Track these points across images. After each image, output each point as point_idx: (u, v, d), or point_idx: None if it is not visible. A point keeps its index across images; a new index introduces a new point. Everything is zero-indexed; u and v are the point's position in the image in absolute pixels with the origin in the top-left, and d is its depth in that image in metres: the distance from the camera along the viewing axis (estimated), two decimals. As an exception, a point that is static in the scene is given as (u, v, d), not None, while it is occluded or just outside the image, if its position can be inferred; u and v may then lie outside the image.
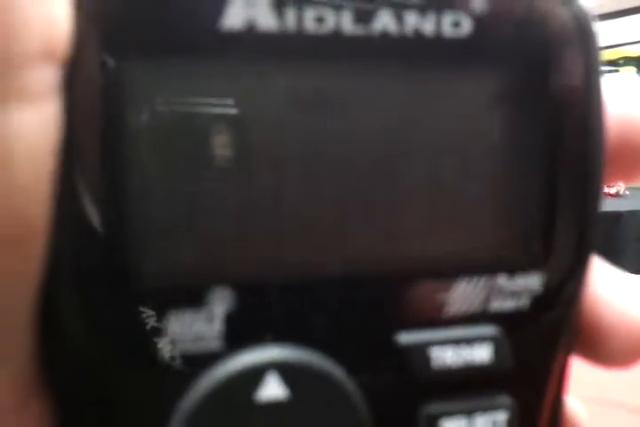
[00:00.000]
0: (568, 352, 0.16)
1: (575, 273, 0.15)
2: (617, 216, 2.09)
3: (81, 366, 0.13)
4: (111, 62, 0.13)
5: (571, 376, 0.16)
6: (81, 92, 0.12)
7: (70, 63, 0.12)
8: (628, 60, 3.26)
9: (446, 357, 0.14)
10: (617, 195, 2.25)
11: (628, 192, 2.25)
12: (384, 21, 0.14)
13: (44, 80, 0.12)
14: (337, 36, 0.13)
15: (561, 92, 0.15)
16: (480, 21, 0.14)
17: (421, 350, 0.14)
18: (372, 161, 0.14)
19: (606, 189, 2.32)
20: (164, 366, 0.13)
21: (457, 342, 0.15)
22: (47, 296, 0.13)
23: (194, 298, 0.13)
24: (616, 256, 2.07)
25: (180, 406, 0.13)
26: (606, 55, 3.32)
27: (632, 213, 2.11)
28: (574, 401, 0.18)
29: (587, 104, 0.15)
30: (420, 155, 0.15)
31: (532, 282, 0.15)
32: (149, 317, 0.13)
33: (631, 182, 0.18)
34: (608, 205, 2.14)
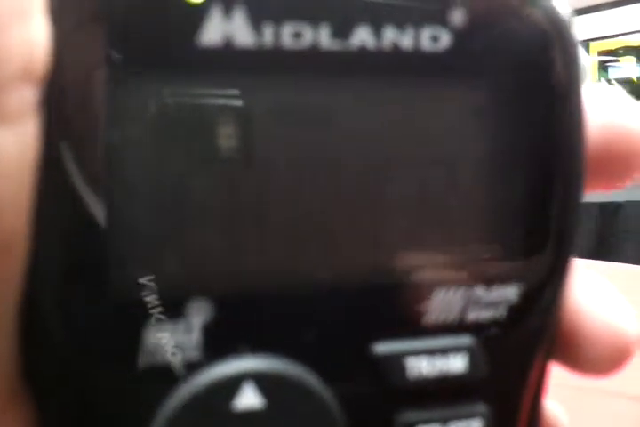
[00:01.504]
0: (546, 360, 0.16)
1: (553, 284, 0.16)
2: (617, 207, 2.09)
3: (61, 375, 0.14)
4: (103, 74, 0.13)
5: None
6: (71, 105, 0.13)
7: (51, 79, 0.12)
8: (627, 50, 3.25)
9: (421, 366, 0.15)
10: (616, 186, 2.25)
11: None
12: (362, 36, 0.14)
13: (23, 100, 0.12)
14: (314, 51, 0.14)
15: (540, 102, 0.15)
16: (459, 35, 0.14)
17: (397, 360, 0.15)
18: (350, 174, 0.14)
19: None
20: (143, 376, 0.13)
21: (432, 352, 0.15)
22: (28, 305, 0.13)
23: (173, 309, 0.14)
24: (616, 247, 2.07)
25: (158, 415, 0.13)
26: (606, 45, 3.31)
27: (632, 204, 2.11)
28: (554, 405, 0.18)
29: (566, 113, 0.15)
30: (398, 168, 0.15)
31: (509, 293, 0.15)
32: (128, 327, 0.13)
33: (616, 187, 0.18)
34: (608, 196, 2.14)
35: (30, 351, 0.13)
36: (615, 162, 0.16)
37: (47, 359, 0.14)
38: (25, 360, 0.13)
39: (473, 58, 0.15)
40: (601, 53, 3.42)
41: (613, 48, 3.30)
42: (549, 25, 0.15)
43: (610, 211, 2.07)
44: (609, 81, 3.48)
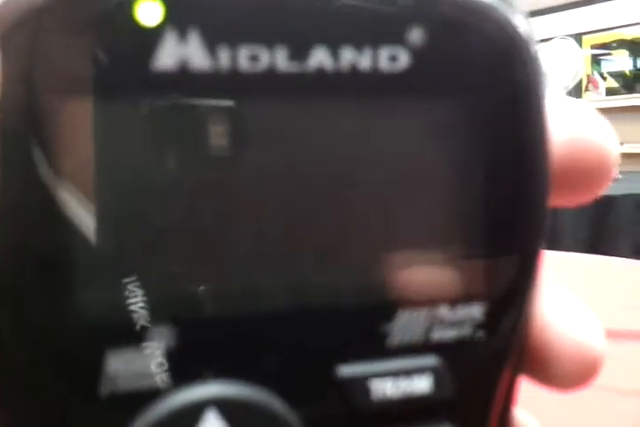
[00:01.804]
0: (514, 376, 0.16)
1: (518, 302, 0.16)
2: (610, 200, 2.09)
3: (25, 399, 0.13)
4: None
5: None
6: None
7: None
8: (621, 44, 3.25)
9: (386, 388, 0.15)
10: (609, 180, 2.25)
11: (621, 176, 2.25)
12: (319, 57, 0.14)
13: None
14: (272, 74, 0.13)
15: (501, 118, 0.15)
16: (418, 55, 0.14)
17: (361, 382, 0.14)
18: (310, 195, 0.14)
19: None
20: (105, 403, 0.13)
21: (396, 373, 0.15)
22: None
23: (134, 335, 0.13)
24: (609, 240, 2.08)
25: None
26: (599, 38, 3.31)
27: (625, 197, 2.12)
28: (525, 415, 0.18)
29: (528, 128, 0.15)
30: (358, 188, 0.15)
31: (473, 312, 0.15)
32: (89, 353, 0.13)
33: (583, 201, 0.18)
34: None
35: None
36: (581, 176, 0.16)
37: (11, 384, 0.13)
38: None
39: (432, 77, 0.14)
40: (594, 47, 3.42)
41: (607, 41, 3.30)
42: (507, 41, 0.15)
43: (604, 205, 2.08)
44: (602, 74, 3.48)
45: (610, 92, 3.38)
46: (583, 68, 3.08)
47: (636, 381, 0.49)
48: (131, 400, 0.13)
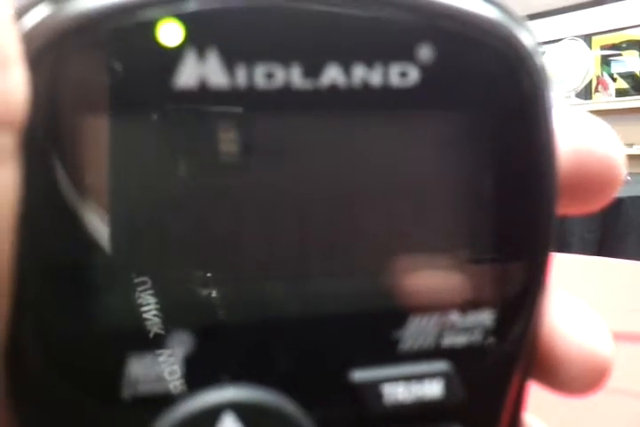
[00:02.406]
0: (524, 381, 0.17)
1: (528, 308, 0.16)
2: (618, 202, 2.09)
3: (45, 404, 0.14)
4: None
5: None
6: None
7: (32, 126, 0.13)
8: (630, 44, 3.24)
9: (398, 393, 0.15)
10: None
11: (629, 178, 2.24)
12: (332, 74, 0.14)
13: (1, 148, 0.12)
14: (287, 91, 0.14)
15: (510, 132, 0.15)
16: (427, 70, 0.15)
17: (374, 387, 0.15)
18: (323, 203, 0.15)
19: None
20: (124, 407, 0.14)
21: (408, 378, 0.15)
22: (10, 342, 0.13)
23: (152, 341, 0.14)
24: (618, 242, 2.07)
25: None
26: (609, 39, 3.30)
27: (634, 199, 2.11)
28: (534, 420, 0.18)
29: (536, 140, 0.15)
30: (369, 197, 0.15)
31: (484, 318, 0.16)
32: (109, 358, 0.14)
33: (591, 210, 0.18)
34: (610, 192, 2.13)
35: (16, 383, 0.14)
36: (589, 185, 0.17)
37: (30, 389, 0.14)
38: (12, 392, 0.14)
39: (441, 91, 0.15)
40: (604, 47, 3.41)
41: (616, 42, 3.29)
42: (514, 55, 0.15)
43: (612, 207, 2.07)
44: (611, 75, 3.47)
45: (620, 93, 3.36)
46: (593, 69, 3.07)
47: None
48: (150, 404, 0.14)
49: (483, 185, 0.16)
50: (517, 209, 0.16)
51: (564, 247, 1.93)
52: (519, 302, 0.16)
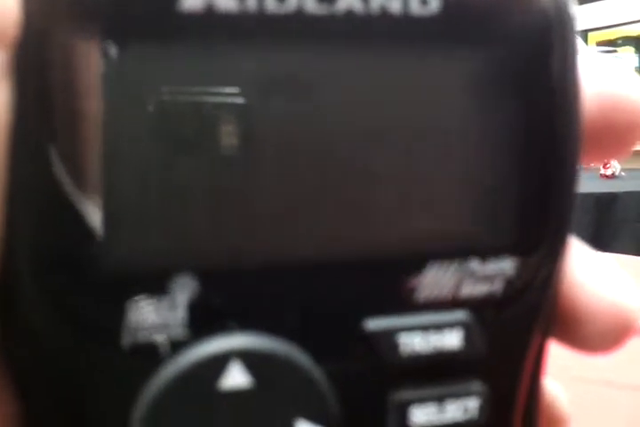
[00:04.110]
0: (545, 337, 0.16)
1: (550, 257, 0.15)
2: (613, 197, 2.09)
3: (43, 355, 0.13)
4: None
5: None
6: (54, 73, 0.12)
7: (24, 44, 0.12)
8: (626, 41, 3.25)
9: (415, 343, 0.14)
10: (613, 176, 2.25)
11: (623, 173, 2.24)
12: (349, 0, 0.13)
13: None
14: (300, 16, 0.13)
15: (534, 73, 0.15)
16: None
17: (389, 336, 0.14)
18: (339, 145, 0.14)
19: (602, 171, 2.32)
20: (128, 354, 0.13)
21: (426, 328, 0.14)
22: (5, 284, 0.13)
23: (156, 285, 0.13)
24: (612, 238, 2.07)
25: (143, 394, 0.13)
26: (605, 35, 3.30)
27: (628, 195, 2.11)
28: (554, 385, 0.18)
29: (562, 85, 0.15)
30: (388, 138, 0.14)
31: (505, 266, 0.15)
32: (111, 304, 0.13)
33: (611, 159, 0.17)
34: (604, 187, 2.14)
35: (9, 334, 0.13)
36: (612, 133, 0.16)
37: (27, 342, 0.13)
38: (4, 347, 0.13)
39: (463, 24, 0.14)
40: (600, 44, 3.41)
41: (612, 38, 3.29)
42: None
43: (606, 201, 2.07)
44: (607, 71, 3.47)
45: (615, 89, 3.36)
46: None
47: (637, 375, 0.49)
48: (152, 353, 0.13)
49: (505, 126, 0.15)
50: (542, 152, 0.15)
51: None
52: (541, 249, 0.15)
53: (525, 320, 0.15)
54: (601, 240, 2.06)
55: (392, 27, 0.14)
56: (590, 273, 0.16)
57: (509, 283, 0.15)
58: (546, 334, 0.16)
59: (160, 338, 0.13)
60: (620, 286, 0.16)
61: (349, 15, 0.13)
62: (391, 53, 0.14)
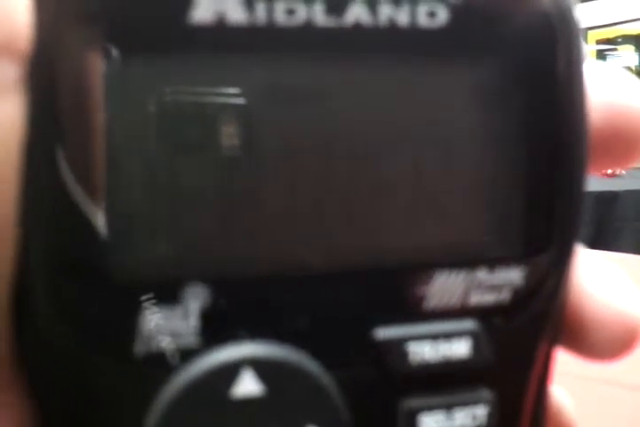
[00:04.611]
0: (552, 345, 0.16)
1: (558, 266, 0.15)
2: (613, 196, 2.09)
3: (56, 362, 0.13)
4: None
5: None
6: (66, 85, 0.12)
7: (35, 56, 0.12)
8: (626, 39, 3.24)
9: (424, 352, 0.14)
10: (613, 175, 2.25)
11: (624, 172, 2.24)
12: (357, 12, 0.13)
13: (4, 76, 0.11)
14: (308, 29, 0.13)
15: (540, 82, 0.15)
16: (456, 11, 0.14)
17: (398, 345, 0.14)
18: (349, 154, 0.14)
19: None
20: (140, 363, 0.13)
21: (435, 336, 0.14)
22: (20, 291, 0.13)
23: (169, 294, 0.13)
24: (613, 236, 2.08)
25: (155, 403, 0.13)
26: (604, 34, 3.30)
27: (629, 193, 2.12)
28: (561, 392, 0.18)
29: (567, 94, 0.15)
30: (397, 147, 0.14)
31: (512, 276, 0.15)
32: (124, 313, 0.13)
33: (620, 167, 0.17)
34: (604, 185, 2.14)
35: (23, 339, 0.13)
36: (618, 142, 0.16)
37: (41, 348, 0.13)
38: (18, 348, 0.13)
39: (470, 36, 0.14)
40: (599, 42, 3.41)
41: (612, 37, 3.29)
42: (550, 4, 0.14)
43: (606, 200, 2.07)
44: (607, 70, 3.47)
45: (614, 88, 3.36)
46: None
47: (638, 375, 0.49)
48: (165, 361, 0.13)
49: (513, 137, 0.15)
50: (548, 161, 0.15)
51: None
52: (549, 258, 0.15)
53: (533, 329, 0.15)
54: (601, 238, 2.06)
55: (400, 39, 0.14)
56: (597, 281, 0.16)
57: (517, 292, 0.15)
58: (553, 342, 0.16)
59: (172, 346, 0.13)
60: (627, 293, 0.16)
61: (357, 28, 0.13)
62: (399, 65, 0.14)
